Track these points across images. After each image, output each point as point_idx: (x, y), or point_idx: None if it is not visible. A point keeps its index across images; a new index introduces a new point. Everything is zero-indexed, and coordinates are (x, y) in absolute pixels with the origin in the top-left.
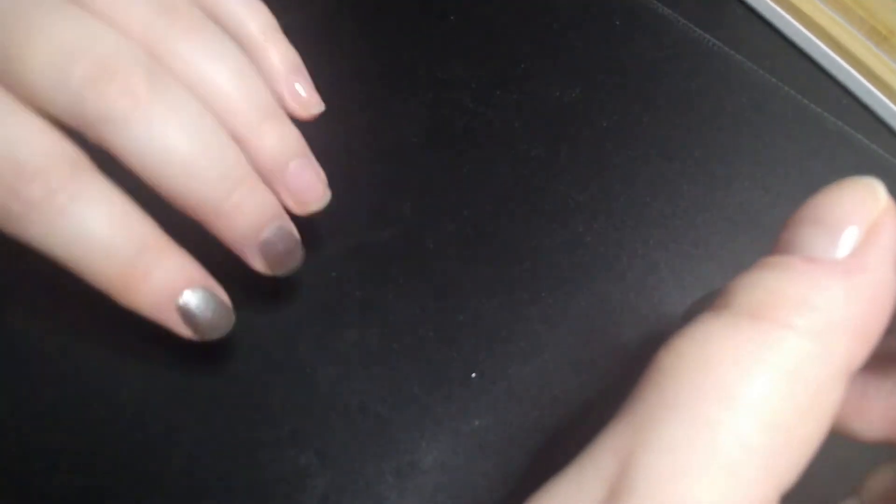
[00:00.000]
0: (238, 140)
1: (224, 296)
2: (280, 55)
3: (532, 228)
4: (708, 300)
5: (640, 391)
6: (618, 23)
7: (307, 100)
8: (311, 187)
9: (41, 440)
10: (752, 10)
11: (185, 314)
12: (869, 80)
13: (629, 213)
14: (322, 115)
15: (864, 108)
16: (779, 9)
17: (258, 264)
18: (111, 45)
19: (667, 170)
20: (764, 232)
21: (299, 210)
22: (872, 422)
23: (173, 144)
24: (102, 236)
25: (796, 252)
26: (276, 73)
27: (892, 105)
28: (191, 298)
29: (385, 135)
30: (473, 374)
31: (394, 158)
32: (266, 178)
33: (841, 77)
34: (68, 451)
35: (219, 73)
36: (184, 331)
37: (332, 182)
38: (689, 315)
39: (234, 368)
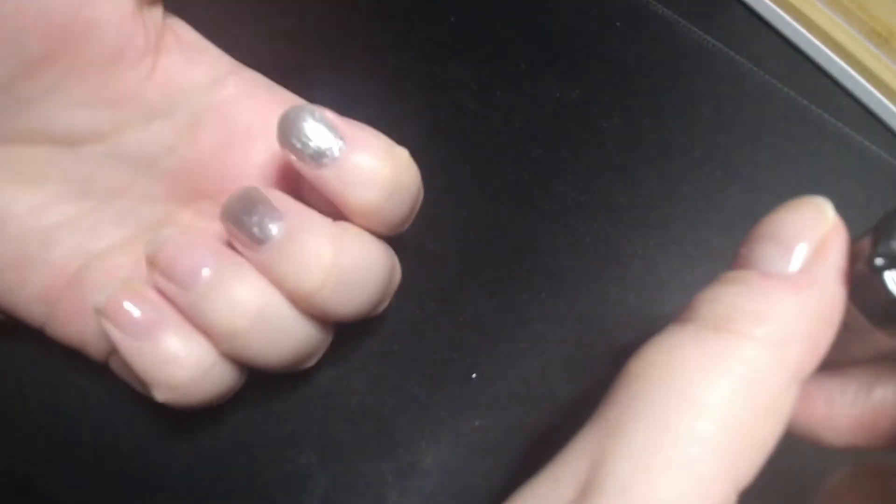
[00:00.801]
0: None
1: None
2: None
3: (532, 229)
4: None
5: (612, 396)
6: (618, 24)
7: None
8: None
9: (41, 441)
10: (752, 12)
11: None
12: (869, 82)
13: (629, 213)
14: None
15: (864, 109)
16: (779, 10)
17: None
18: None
19: (667, 171)
20: None
21: None
22: (839, 429)
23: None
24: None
25: (753, 267)
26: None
27: (891, 106)
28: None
29: (385, 135)
30: (474, 375)
31: None
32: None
33: (841, 78)
34: (69, 450)
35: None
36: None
37: None
38: None
39: None
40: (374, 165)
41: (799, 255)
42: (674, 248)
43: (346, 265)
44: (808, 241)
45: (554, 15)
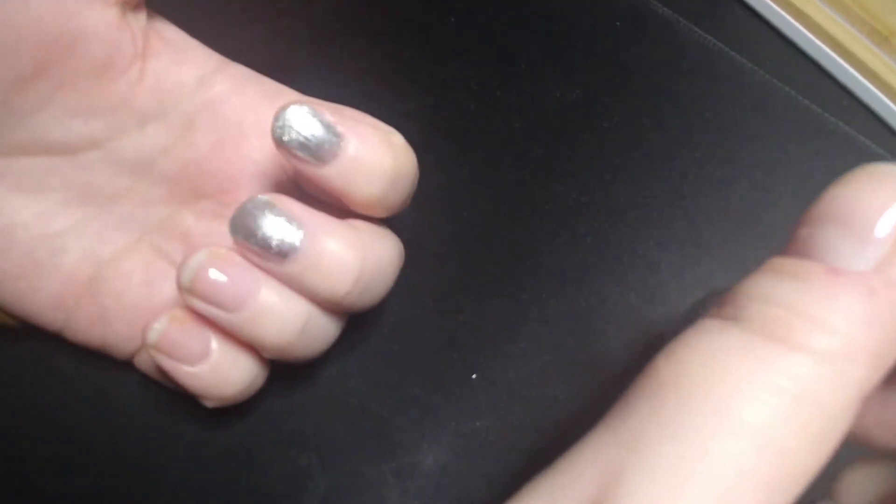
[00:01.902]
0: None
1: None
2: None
3: (532, 229)
4: (710, 301)
5: (631, 400)
6: (618, 23)
7: None
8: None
9: (41, 441)
10: (752, 11)
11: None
12: (870, 81)
13: (629, 213)
14: None
15: (865, 108)
16: (779, 9)
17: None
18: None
19: (667, 170)
20: (764, 232)
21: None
22: (893, 431)
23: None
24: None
25: (815, 256)
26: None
27: (892, 105)
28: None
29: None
30: (474, 375)
31: None
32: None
33: (842, 78)
34: (69, 452)
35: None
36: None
37: None
38: (690, 316)
39: None
40: (374, 159)
41: (877, 248)
42: (674, 247)
43: (371, 267)
44: (889, 231)
45: (554, 15)
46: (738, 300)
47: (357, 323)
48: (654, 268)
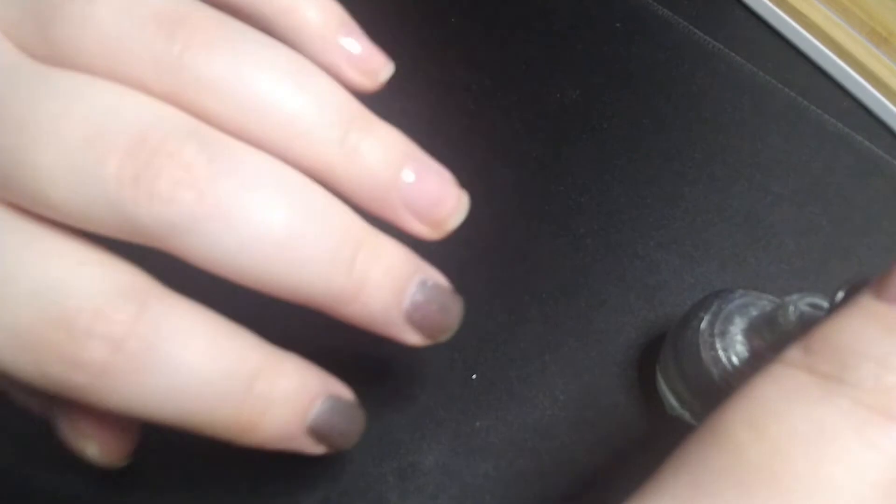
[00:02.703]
0: (322, 172)
1: (349, 395)
2: (317, 8)
3: (532, 229)
4: (713, 299)
5: (703, 474)
6: (618, 24)
7: (368, 60)
8: (438, 196)
9: (41, 441)
10: (752, 12)
11: (317, 434)
12: (869, 82)
13: (630, 214)
14: None
15: (864, 109)
16: (779, 11)
17: (412, 338)
18: (138, 119)
19: (667, 171)
20: (764, 233)
21: (435, 233)
22: None
23: (262, 231)
24: (201, 379)
25: None
26: (318, 35)
27: (892, 106)
28: (317, 416)
29: None
30: (474, 376)
31: None
32: (377, 208)
33: (841, 79)
34: (68, 453)
35: (270, 90)
36: (317, 450)
37: None
38: (690, 316)
39: None
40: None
41: None
42: (674, 248)
43: None
44: None
45: (554, 15)
46: (838, 354)
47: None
48: (655, 269)
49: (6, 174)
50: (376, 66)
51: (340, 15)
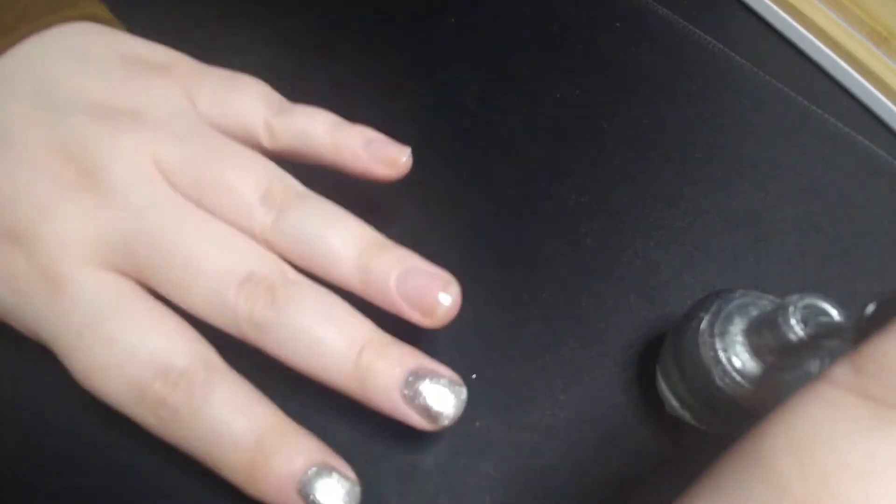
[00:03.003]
0: (346, 282)
1: (347, 470)
2: (354, 141)
3: (532, 229)
4: (713, 299)
5: (739, 491)
6: (618, 24)
7: (390, 155)
8: (421, 292)
9: (40, 442)
10: (752, 12)
11: (308, 499)
12: (869, 82)
13: (629, 214)
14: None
15: (865, 109)
16: (779, 10)
17: (417, 421)
18: (253, 263)
19: (667, 171)
20: (764, 233)
21: (428, 321)
22: None
23: (308, 335)
24: (231, 431)
25: None
26: (357, 156)
27: (892, 106)
28: (312, 483)
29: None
30: (474, 376)
31: None
32: (384, 304)
33: (841, 78)
34: (69, 450)
35: (327, 240)
36: None
37: (333, 184)
38: (690, 316)
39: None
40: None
41: None
42: (674, 248)
43: None
44: None
45: (554, 15)
46: (885, 374)
47: None
48: (655, 268)
49: (173, 275)
50: (395, 159)
51: (368, 135)
